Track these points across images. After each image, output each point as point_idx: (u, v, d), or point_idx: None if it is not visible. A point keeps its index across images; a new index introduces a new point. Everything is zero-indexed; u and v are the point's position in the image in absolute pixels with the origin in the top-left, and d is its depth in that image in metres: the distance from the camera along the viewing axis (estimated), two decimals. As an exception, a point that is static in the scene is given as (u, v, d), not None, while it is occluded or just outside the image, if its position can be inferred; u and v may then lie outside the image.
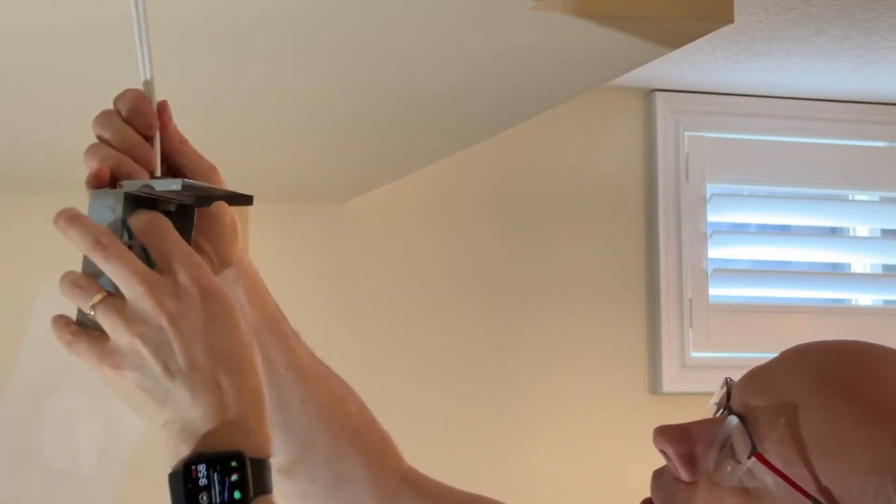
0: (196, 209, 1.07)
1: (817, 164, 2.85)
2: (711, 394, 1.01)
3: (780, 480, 0.92)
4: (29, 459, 2.21)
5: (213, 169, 1.09)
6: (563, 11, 1.46)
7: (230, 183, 1.10)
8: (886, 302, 2.94)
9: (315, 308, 2.51)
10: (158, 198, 1.03)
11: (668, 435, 0.98)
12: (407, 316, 2.59)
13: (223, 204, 1.08)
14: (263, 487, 0.97)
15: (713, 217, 2.79)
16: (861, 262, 2.97)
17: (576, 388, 2.67)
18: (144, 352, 0.97)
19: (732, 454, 0.95)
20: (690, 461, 0.97)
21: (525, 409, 2.63)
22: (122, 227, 1.00)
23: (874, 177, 2.89)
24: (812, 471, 0.92)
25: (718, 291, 2.77)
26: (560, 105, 1.96)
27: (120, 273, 0.98)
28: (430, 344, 2.59)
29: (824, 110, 2.83)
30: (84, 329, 1.00)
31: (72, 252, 1.01)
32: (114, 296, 0.98)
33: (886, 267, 2.98)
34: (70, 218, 0.99)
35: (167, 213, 1.03)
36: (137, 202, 1.02)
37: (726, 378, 1.00)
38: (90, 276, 1.00)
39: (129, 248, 1.00)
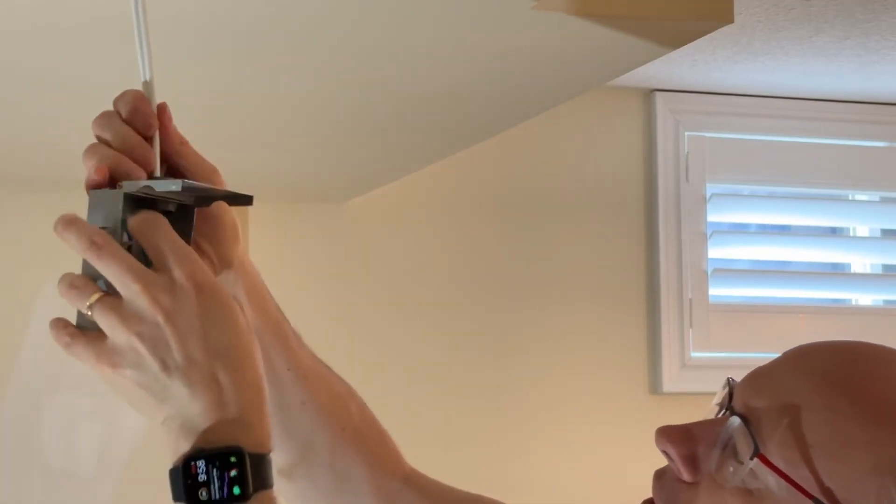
0: (196, 210, 1.07)
1: (817, 164, 2.85)
2: (712, 394, 1.01)
3: (783, 481, 0.92)
4: (29, 459, 2.20)
5: (213, 170, 1.09)
6: (563, 11, 1.46)
7: (230, 183, 1.10)
8: (886, 302, 2.94)
9: (315, 308, 2.51)
10: (158, 198, 1.02)
11: (671, 435, 0.98)
12: (407, 316, 2.58)
13: (223, 204, 1.08)
14: (264, 482, 0.97)
15: (713, 217, 2.78)
16: (861, 262, 2.97)
17: (576, 388, 2.67)
18: (142, 349, 0.97)
19: (735, 455, 0.95)
20: (693, 462, 0.98)
21: (525, 409, 2.63)
22: (122, 228, 1.00)
23: (874, 177, 2.89)
24: (814, 472, 0.92)
25: (718, 291, 2.76)
26: (560, 105, 1.96)
27: (115, 271, 0.98)
28: (430, 344, 2.59)
29: (824, 110, 2.83)
30: (82, 330, 1.00)
31: (72, 252, 1.01)
32: (110, 295, 0.99)
33: (886, 267, 2.98)
34: (66, 222, 1.00)
35: (167, 214, 1.03)
36: (137, 203, 1.01)
37: (728, 378, 1.00)
38: (87, 278, 1.00)
39: (129, 248, 1.00)
